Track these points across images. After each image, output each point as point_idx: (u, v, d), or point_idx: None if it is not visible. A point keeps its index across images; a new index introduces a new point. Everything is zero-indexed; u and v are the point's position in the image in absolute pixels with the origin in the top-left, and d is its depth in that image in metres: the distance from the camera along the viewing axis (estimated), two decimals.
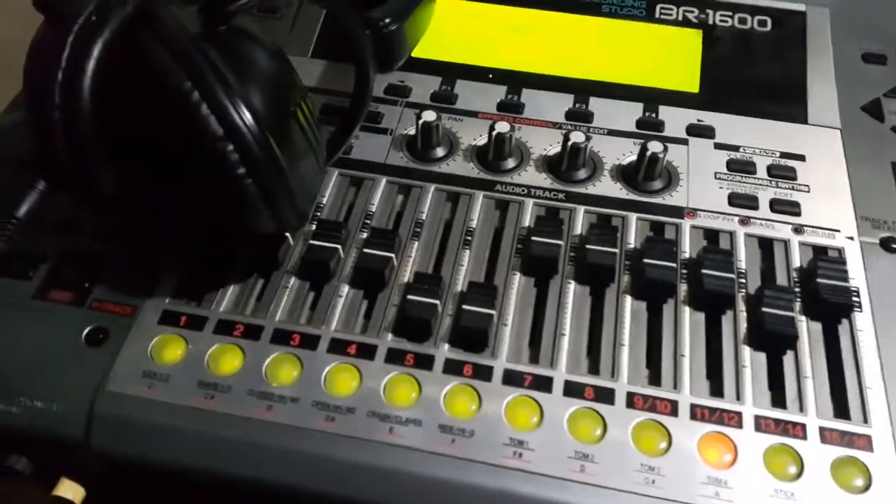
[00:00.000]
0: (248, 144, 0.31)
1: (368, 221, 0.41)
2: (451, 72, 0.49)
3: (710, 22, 0.52)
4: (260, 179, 0.32)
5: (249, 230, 0.34)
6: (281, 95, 0.33)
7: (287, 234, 0.39)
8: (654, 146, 0.42)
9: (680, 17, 0.52)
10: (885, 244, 0.40)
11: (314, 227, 0.39)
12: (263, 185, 0.32)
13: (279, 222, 0.34)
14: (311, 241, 0.38)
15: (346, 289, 0.38)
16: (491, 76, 0.49)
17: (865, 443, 0.33)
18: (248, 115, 0.31)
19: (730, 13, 0.52)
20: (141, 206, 0.34)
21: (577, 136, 0.42)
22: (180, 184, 0.32)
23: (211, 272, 0.38)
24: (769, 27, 0.52)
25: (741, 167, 0.44)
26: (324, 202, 0.42)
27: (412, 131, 0.45)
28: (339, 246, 0.38)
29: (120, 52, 0.31)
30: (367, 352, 0.35)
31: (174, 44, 0.31)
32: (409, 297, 0.36)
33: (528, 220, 0.41)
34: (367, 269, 0.38)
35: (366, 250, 0.38)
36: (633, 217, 0.41)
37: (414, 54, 0.49)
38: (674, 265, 0.38)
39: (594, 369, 0.35)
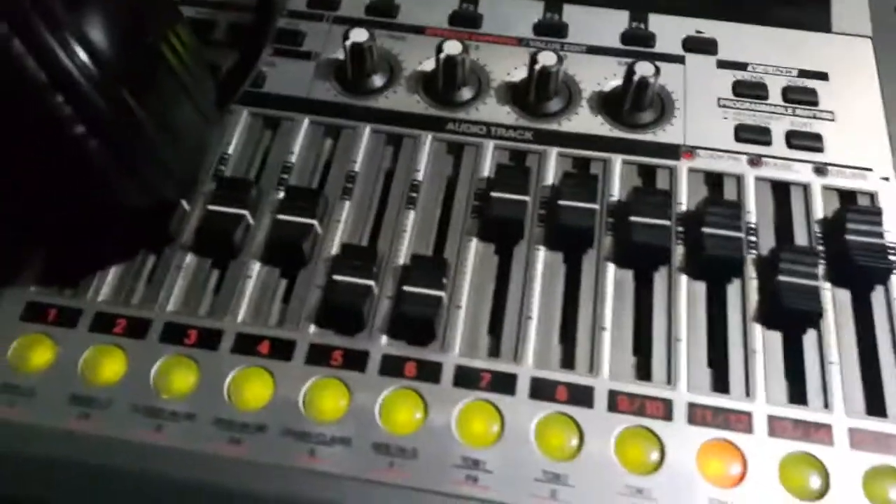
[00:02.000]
0: (83, 94, 0.22)
1: (286, 176, 0.33)
2: None
3: None
4: (108, 140, 0.23)
5: (110, 205, 0.25)
6: (134, 22, 0.24)
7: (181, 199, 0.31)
8: (644, 68, 0.33)
9: None
10: None
11: (214, 186, 0.31)
12: (114, 146, 0.23)
13: (149, 193, 0.26)
14: (210, 206, 0.30)
15: (256, 266, 0.30)
16: None
17: None
18: (81, 54, 0.22)
19: None
20: None
21: (546, 58, 0.33)
22: (5, 151, 0.24)
23: (88, 250, 0.30)
24: None
25: (750, 91, 0.35)
26: (230, 151, 0.33)
27: (341, 55, 0.35)
28: (245, 211, 0.30)
29: None
30: (282, 350, 0.28)
31: None
32: (336, 276, 0.29)
33: (487, 169, 0.33)
34: (282, 240, 0.30)
35: (280, 216, 0.30)
36: (617, 160, 0.33)
37: None
38: (667, 223, 0.30)
39: (568, 362, 0.28)
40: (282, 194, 0.31)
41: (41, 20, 0.22)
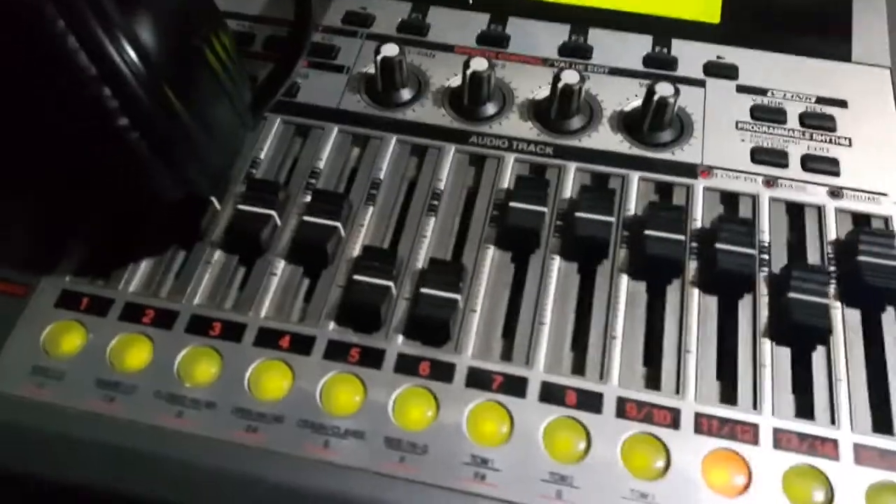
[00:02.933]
0: (130, 88, 0.24)
1: (314, 181, 0.34)
2: None
3: None
4: (149, 133, 0.25)
5: (146, 196, 0.27)
6: (182, 25, 0.26)
7: (212, 198, 0.32)
8: (664, 89, 0.34)
9: None
10: None
11: (245, 187, 0.33)
12: (155, 140, 0.25)
13: (184, 186, 0.27)
14: (240, 206, 0.32)
15: (281, 265, 0.31)
16: (472, 1, 0.41)
17: None
18: (130, 51, 0.24)
19: None
20: (15, 165, 0.27)
21: (569, 76, 0.35)
22: (51, 139, 0.25)
23: (122, 243, 0.32)
24: None
25: (769, 115, 0.36)
26: (262, 156, 0.35)
27: (372, 69, 0.37)
28: (273, 212, 0.32)
29: None
30: (302, 344, 0.29)
31: None
32: (356, 276, 0.30)
33: (507, 180, 0.34)
34: (306, 241, 0.31)
35: (306, 218, 0.31)
36: (635, 176, 0.34)
37: None
38: (681, 238, 0.31)
39: (579, 368, 0.29)
40: (309, 197, 0.33)
41: (95, 18, 0.24)
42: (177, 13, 0.26)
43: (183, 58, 0.26)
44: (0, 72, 0.24)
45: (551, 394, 0.28)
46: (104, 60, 0.24)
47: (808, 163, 0.34)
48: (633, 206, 0.33)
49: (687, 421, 0.27)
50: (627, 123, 0.36)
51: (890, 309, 0.30)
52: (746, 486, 0.26)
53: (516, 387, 0.28)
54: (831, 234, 0.32)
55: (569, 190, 0.34)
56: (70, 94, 0.24)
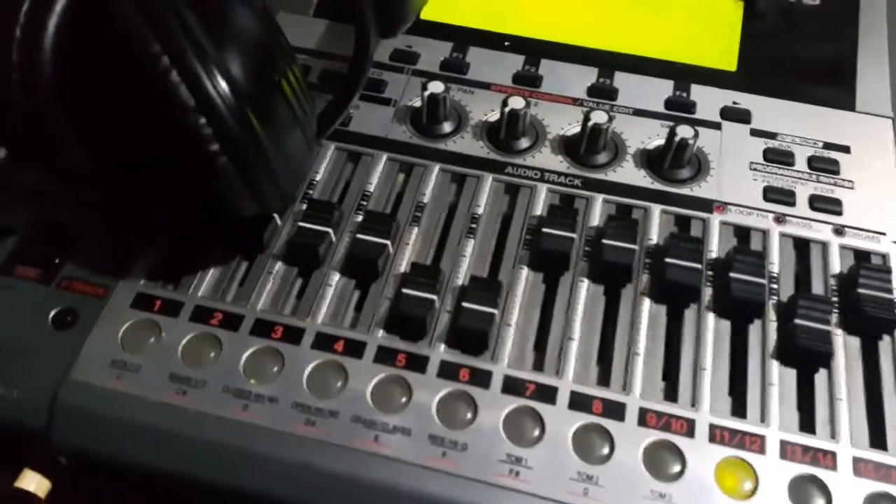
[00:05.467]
0: (222, 118, 0.27)
1: (365, 202, 0.37)
2: (464, 37, 0.45)
3: None
4: (236, 158, 0.28)
5: (225, 212, 0.30)
6: (264, 62, 0.30)
7: (274, 214, 0.35)
8: (684, 131, 0.37)
9: None
10: None
11: (304, 206, 0.36)
12: (240, 164, 0.28)
13: (259, 205, 0.31)
14: (301, 223, 0.35)
15: (336, 277, 0.35)
16: (507, 44, 0.45)
17: None
18: (223, 85, 0.27)
19: None
20: (110, 178, 0.30)
21: (598, 116, 0.38)
22: (149, 158, 0.29)
23: (190, 252, 0.35)
24: (818, 0, 0.47)
25: (779, 158, 0.39)
26: (317, 178, 0.38)
27: (417, 103, 0.41)
28: (330, 229, 0.35)
29: (85, 6, 0.27)
30: (355, 349, 0.32)
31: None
32: (404, 290, 0.33)
33: (539, 208, 0.37)
34: (360, 256, 0.34)
35: (359, 236, 0.35)
36: (656, 209, 0.37)
37: (424, 16, 0.46)
38: (699, 266, 0.34)
39: (604, 380, 0.32)
40: (360, 217, 0.36)
41: (193, 55, 0.27)
42: (259, 49, 0.30)
43: (265, 90, 0.29)
44: (109, 101, 0.28)
45: (579, 402, 0.31)
46: (201, 92, 0.27)
47: (815, 202, 0.38)
48: (654, 236, 0.36)
49: (701, 431, 0.30)
50: (650, 160, 0.39)
51: (886, 337, 0.33)
52: (754, 491, 0.29)
53: (548, 394, 0.31)
54: (835, 268, 0.35)
55: (596, 219, 0.37)
56: (170, 122, 0.27)
